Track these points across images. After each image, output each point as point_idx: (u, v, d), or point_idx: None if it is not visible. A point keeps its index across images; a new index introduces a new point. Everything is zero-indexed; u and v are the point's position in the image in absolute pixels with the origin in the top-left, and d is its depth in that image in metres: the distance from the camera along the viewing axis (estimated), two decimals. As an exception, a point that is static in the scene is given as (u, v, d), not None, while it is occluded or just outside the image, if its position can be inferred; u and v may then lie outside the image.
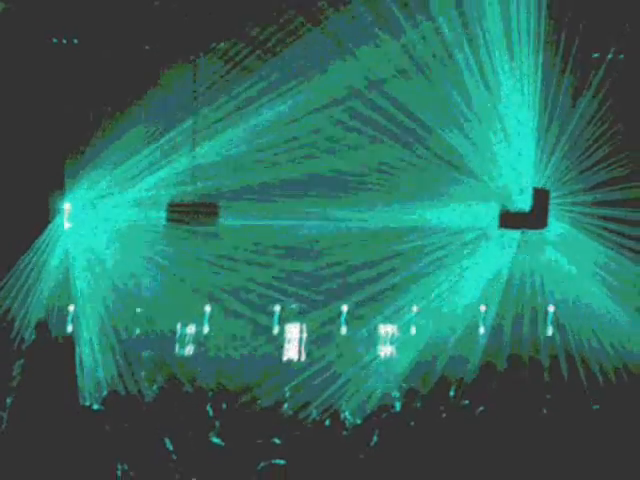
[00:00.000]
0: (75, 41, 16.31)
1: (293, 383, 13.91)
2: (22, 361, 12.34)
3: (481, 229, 15.89)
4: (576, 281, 15.71)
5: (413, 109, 15.38)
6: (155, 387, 13.30)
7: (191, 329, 19.07)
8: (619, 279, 15.40)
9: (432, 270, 16.00)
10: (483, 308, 17.10)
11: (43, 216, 16.64)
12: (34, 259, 16.45)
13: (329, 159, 16.16)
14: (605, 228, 15.28)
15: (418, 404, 11.63)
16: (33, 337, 12.68)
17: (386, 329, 18.26)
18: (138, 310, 17.89)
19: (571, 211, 15.52)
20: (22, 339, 14.52)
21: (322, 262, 17.10)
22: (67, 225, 16.75)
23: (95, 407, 9.90)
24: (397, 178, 15.95)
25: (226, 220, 16.35)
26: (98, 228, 16.99)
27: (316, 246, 16.98)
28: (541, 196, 14.65)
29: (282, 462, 6.68)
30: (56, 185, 16.62)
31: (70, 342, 14.24)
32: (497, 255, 15.98)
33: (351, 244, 16.69)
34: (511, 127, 15.20)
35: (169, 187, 16.53)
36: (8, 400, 11.37)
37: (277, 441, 8.03)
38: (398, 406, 11.67)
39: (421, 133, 15.62)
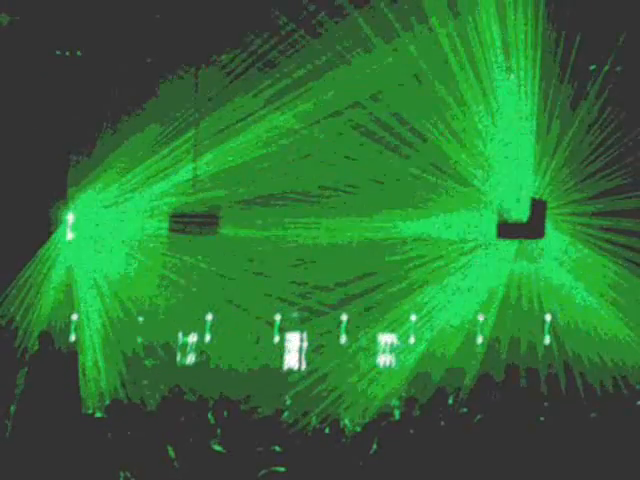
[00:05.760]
0: (78, 53, 16.44)
1: (293, 391, 13.97)
2: (26, 370, 12.38)
3: (479, 239, 15.93)
4: (574, 291, 15.74)
5: (410, 119, 15.46)
6: (157, 395, 13.37)
7: (193, 338, 19.11)
8: (618, 290, 15.41)
9: (430, 280, 16.05)
10: (481, 317, 17.14)
11: (45, 226, 16.72)
12: (38, 268, 16.52)
13: (329, 170, 16.22)
14: (603, 238, 15.31)
15: (417, 412, 11.68)
16: (37, 346, 12.71)
17: (385, 338, 18.29)
18: (140, 319, 17.95)
19: (569, 221, 15.56)
20: (26, 348, 14.59)
21: (322, 272, 17.13)
22: (70, 236, 16.84)
23: (98, 415, 10.00)
24: (395, 188, 15.99)
25: (226, 230, 16.45)
26: (100, 238, 17.06)
27: (316, 256, 17.00)
28: (539, 206, 14.76)
29: (282, 469, 6.74)
30: (59, 195, 16.73)
31: (73, 351, 14.33)
32: (495, 265, 16.03)
33: (351, 254, 16.72)
34: (509, 138, 15.26)
35: (171, 197, 16.63)
36: (12, 408, 11.46)
37: (277, 449, 8.08)
38: (397, 414, 11.72)
39: (420, 144, 15.68)
